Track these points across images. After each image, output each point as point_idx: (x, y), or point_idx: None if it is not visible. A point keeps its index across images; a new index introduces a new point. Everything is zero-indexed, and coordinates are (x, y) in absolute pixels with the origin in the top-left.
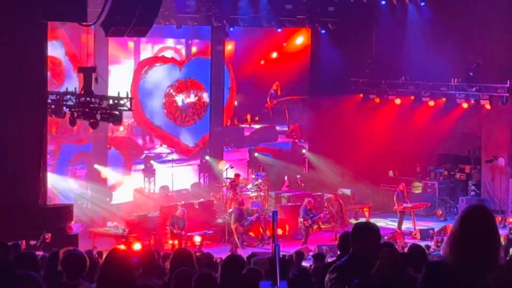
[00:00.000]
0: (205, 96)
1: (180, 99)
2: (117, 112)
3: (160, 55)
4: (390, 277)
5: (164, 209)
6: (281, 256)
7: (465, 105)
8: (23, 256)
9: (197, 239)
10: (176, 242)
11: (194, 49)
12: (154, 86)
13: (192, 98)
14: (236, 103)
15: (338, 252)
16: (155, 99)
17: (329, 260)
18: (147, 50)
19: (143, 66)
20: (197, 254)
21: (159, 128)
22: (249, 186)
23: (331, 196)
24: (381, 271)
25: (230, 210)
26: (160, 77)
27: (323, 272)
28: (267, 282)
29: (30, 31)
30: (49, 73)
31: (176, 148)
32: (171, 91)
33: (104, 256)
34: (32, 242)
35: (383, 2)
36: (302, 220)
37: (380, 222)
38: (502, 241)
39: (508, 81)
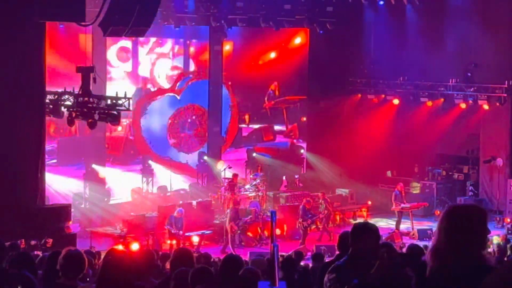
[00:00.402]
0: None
1: (183, 127)
2: (115, 112)
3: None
4: (389, 278)
5: (162, 209)
6: (279, 256)
7: (463, 106)
8: (19, 256)
9: (195, 239)
10: (174, 242)
11: (192, 49)
12: (156, 120)
13: (194, 124)
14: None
15: (337, 252)
16: (159, 133)
17: (327, 259)
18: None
19: (141, 104)
20: (194, 254)
21: (169, 160)
22: (247, 186)
23: (329, 196)
24: (380, 271)
25: (228, 210)
26: (160, 110)
27: (322, 272)
28: (266, 282)
29: (28, 31)
30: None
31: (186, 173)
32: (175, 120)
33: (102, 256)
34: (33, 242)
35: (381, 2)
36: (301, 220)
37: (382, 222)
38: (500, 241)
39: (506, 82)
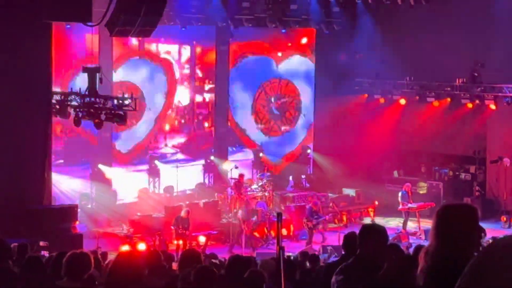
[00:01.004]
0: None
1: (272, 103)
2: (121, 112)
3: None
4: (397, 280)
5: (168, 209)
6: (285, 257)
7: (470, 105)
8: (30, 259)
9: (202, 239)
10: (181, 242)
11: (198, 49)
12: (246, 78)
13: (284, 103)
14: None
15: (342, 253)
16: (245, 95)
17: (333, 259)
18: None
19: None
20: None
21: (243, 132)
22: (254, 186)
23: (336, 196)
24: (388, 273)
25: (240, 211)
26: (253, 69)
27: (327, 273)
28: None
29: (35, 31)
30: None
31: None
32: (264, 90)
33: (109, 257)
34: (42, 243)
35: (388, 2)
36: (305, 220)
37: (395, 221)
38: None
39: None
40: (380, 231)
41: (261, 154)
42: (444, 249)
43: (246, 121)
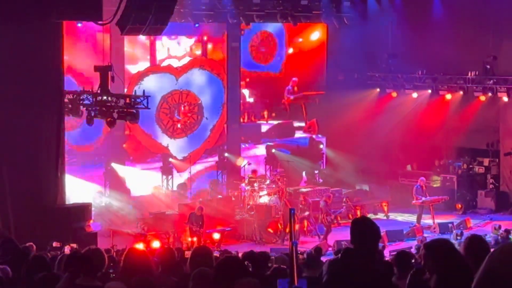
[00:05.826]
0: (198, 110)
1: (174, 110)
2: (134, 111)
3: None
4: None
5: (182, 206)
6: (299, 253)
7: (482, 98)
8: (34, 260)
9: (216, 236)
10: (195, 239)
11: (209, 46)
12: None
13: (184, 110)
14: (252, 99)
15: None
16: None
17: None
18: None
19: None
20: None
21: (149, 137)
22: (267, 182)
23: (349, 191)
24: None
25: (248, 206)
26: (155, 85)
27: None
28: (285, 280)
29: (46, 30)
30: None
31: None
32: (166, 101)
33: (123, 255)
34: (55, 244)
35: None
36: (324, 215)
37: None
38: None
39: None
40: (366, 224)
41: (273, 151)
42: None
43: None
